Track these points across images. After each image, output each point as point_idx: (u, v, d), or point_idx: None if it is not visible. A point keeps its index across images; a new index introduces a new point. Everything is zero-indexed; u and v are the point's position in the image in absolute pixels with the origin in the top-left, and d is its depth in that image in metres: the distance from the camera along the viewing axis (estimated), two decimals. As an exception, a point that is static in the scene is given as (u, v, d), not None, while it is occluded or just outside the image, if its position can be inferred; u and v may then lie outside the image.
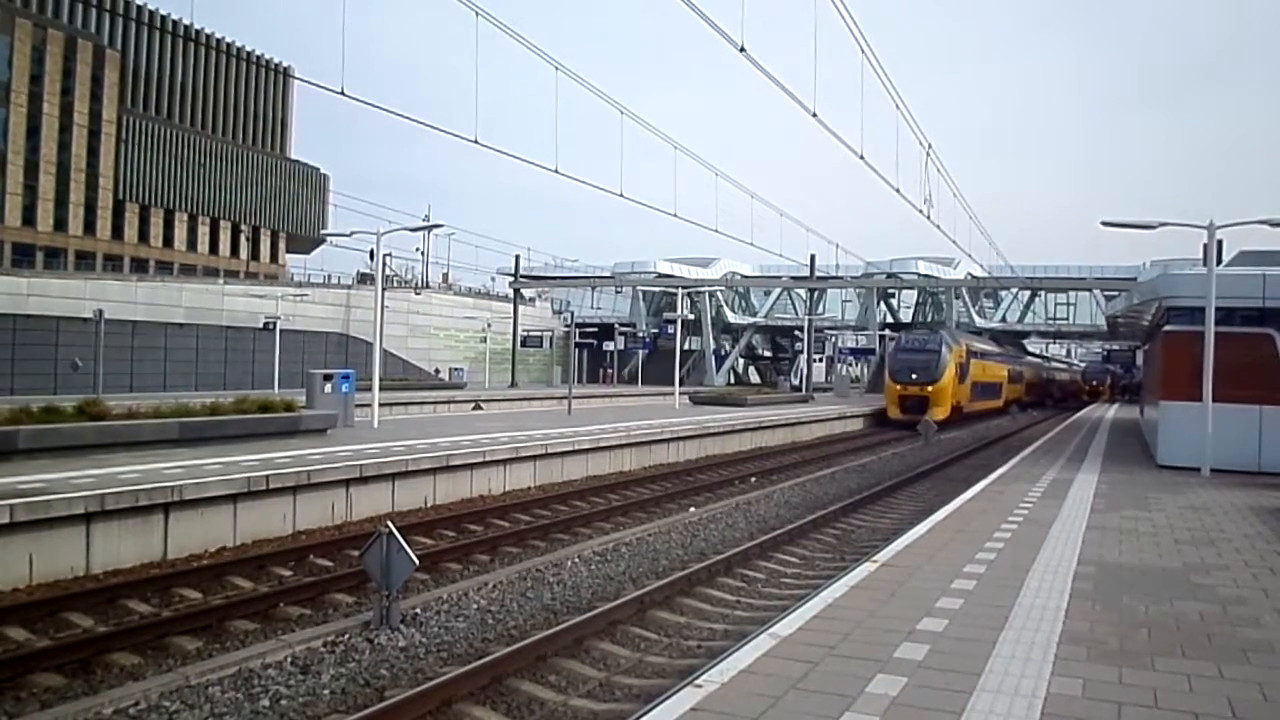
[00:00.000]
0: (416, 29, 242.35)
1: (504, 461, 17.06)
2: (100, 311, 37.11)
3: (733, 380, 72.35)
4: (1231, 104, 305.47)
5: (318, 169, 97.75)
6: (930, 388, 37.43)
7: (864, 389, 62.62)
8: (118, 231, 78.03)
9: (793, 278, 60.04)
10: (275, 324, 44.30)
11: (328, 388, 21.41)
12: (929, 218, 25.69)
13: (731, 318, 73.03)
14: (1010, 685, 5.25)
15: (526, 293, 65.83)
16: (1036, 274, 58.62)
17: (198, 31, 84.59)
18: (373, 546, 8.04)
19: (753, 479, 20.25)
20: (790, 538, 13.13)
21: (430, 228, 49.14)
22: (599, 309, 75.03)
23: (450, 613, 8.79)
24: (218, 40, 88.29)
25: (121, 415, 15.81)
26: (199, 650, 7.97)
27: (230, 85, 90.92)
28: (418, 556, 8.27)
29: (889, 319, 64.48)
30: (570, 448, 18.94)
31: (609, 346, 65.37)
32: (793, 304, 71.36)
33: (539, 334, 63.35)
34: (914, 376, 37.76)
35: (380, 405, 22.69)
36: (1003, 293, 66.63)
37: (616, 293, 73.03)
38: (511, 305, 60.79)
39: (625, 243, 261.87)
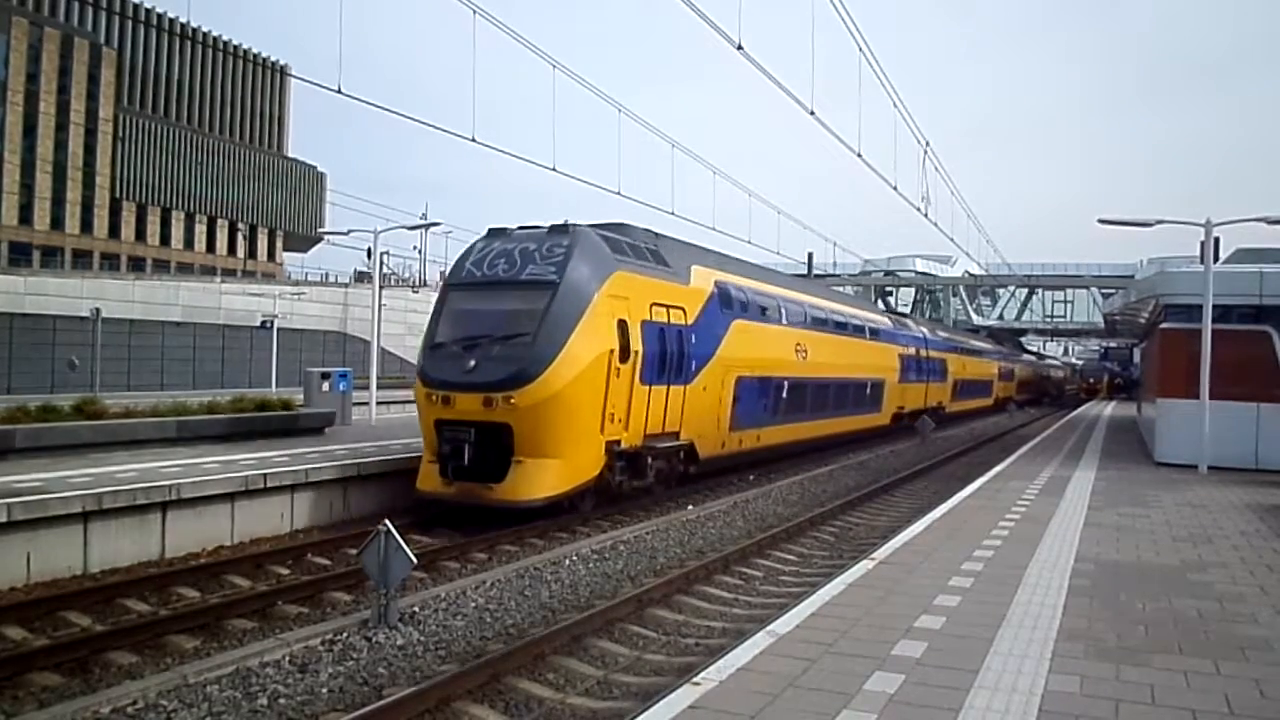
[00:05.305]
0: (414, 27, 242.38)
1: (502, 460, 16.98)
2: (97, 310, 37.15)
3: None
4: (1230, 103, 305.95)
5: (315, 167, 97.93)
6: (513, 396, 12.55)
7: None
8: (115, 230, 78.00)
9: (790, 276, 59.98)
10: (273, 322, 44.32)
11: (325, 386, 21.44)
12: (927, 215, 25.71)
13: (729, 316, 72.87)
14: (1008, 682, 5.25)
15: (524, 291, 65.62)
16: (1034, 271, 58.66)
17: (195, 30, 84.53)
18: (370, 545, 8.03)
19: (750, 476, 20.23)
20: (788, 535, 13.14)
21: (428, 226, 49.10)
22: (597, 307, 74.74)
23: (448, 611, 8.78)
24: (215, 38, 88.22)
25: (119, 414, 15.87)
26: (197, 649, 7.96)
27: (227, 83, 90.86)
28: (415, 555, 8.26)
29: (887, 317, 64.26)
30: (568, 446, 18.85)
31: (607, 344, 65.17)
32: (790, 302, 71.12)
33: (537, 332, 63.16)
34: (472, 365, 13.07)
35: (378, 403, 22.68)
36: (1000, 290, 66.72)
37: (614, 291, 72.78)
38: (509, 303, 60.61)
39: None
